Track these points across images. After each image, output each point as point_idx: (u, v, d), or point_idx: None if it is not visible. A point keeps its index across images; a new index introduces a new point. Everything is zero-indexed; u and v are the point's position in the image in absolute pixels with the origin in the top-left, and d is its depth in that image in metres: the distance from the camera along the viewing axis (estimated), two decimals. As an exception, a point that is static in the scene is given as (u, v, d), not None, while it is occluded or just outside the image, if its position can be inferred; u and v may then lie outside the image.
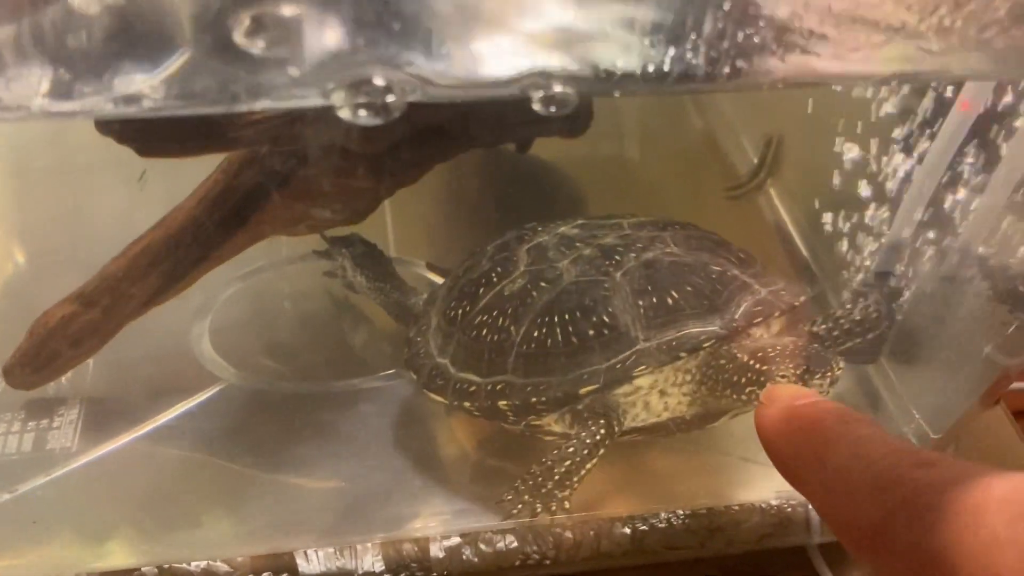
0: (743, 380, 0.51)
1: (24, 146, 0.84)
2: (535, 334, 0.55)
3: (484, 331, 0.57)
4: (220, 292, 0.73)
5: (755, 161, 0.84)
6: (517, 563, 0.58)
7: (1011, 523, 0.24)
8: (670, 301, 0.53)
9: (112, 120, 0.47)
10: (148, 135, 0.49)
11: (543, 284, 0.57)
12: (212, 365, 0.68)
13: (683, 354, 0.52)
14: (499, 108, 0.62)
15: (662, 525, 0.59)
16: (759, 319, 0.53)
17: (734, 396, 0.52)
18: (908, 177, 0.57)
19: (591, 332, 0.54)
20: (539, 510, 0.54)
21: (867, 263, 0.62)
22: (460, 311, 0.59)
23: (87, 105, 0.32)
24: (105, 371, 0.66)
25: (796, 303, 0.54)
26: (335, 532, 0.58)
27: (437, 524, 0.58)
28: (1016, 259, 0.52)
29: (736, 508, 0.60)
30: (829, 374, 0.49)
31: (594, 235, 0.59)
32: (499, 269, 0.60)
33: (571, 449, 0.53)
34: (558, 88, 0.33)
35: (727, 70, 0.32)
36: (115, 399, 0.66)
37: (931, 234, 0.57)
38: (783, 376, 0.49)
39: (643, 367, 0.52)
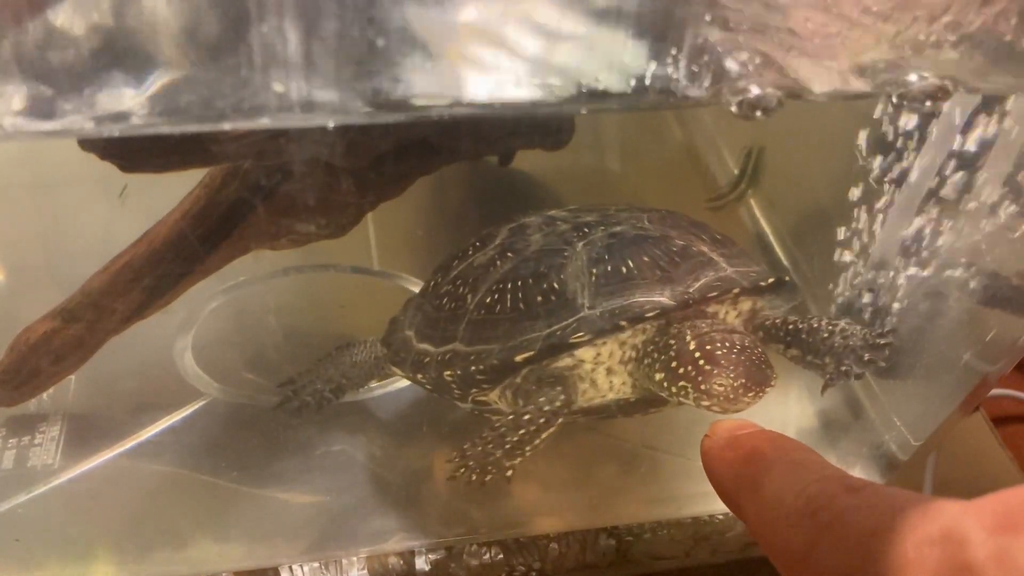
0: (681, 371, 0.48)
1: (2, 161, 0.83)
2: (487, 301, 0.53)
3: (445, 300, 0.56)
4: (203, 306, 0.73)
5: (736, 172, 0.84)
6: (503, 575, 0.58)
7: (918, 547, 0.25)
8: (624, 270, 0.51)
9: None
10: (131, 151, 0.49)
11: (509, 255, 0.55)
12: (195, 380, 0.68)
13: (623, 323, 0.49)
14: (481, 122, 0.63)
15: (647, 535, 0.59)
16: (714, 293, 0.50)
17: (665, 384, 0.49)
18: (890, 188, 0.57)
19: (539, 299, 0.51)
20: (475, 478, 0.50)
21: (848, 274, 0.62)
22: (432, 283, 0.59)
23: (69, 124, 0.32)
24: (87, 387, 0.66)
25: (762, 283, 0.52)
26: (320, 546, 0.58)
27: (423, 537, 0.58)
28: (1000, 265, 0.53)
29: (720, 518, 0.60)
30: (761, 393, 0.47)
31: (577, 215, 0.58)
32: (477, 244, 0.59)
33: (526, 416, 0.50)
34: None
35: (706, 85, 0.32)
36: (97, 415, 0.65)
37: (913, 245, 0.58)
38: (720, 386, 0.46)
39: (581, 335, 0.49)
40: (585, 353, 0.51)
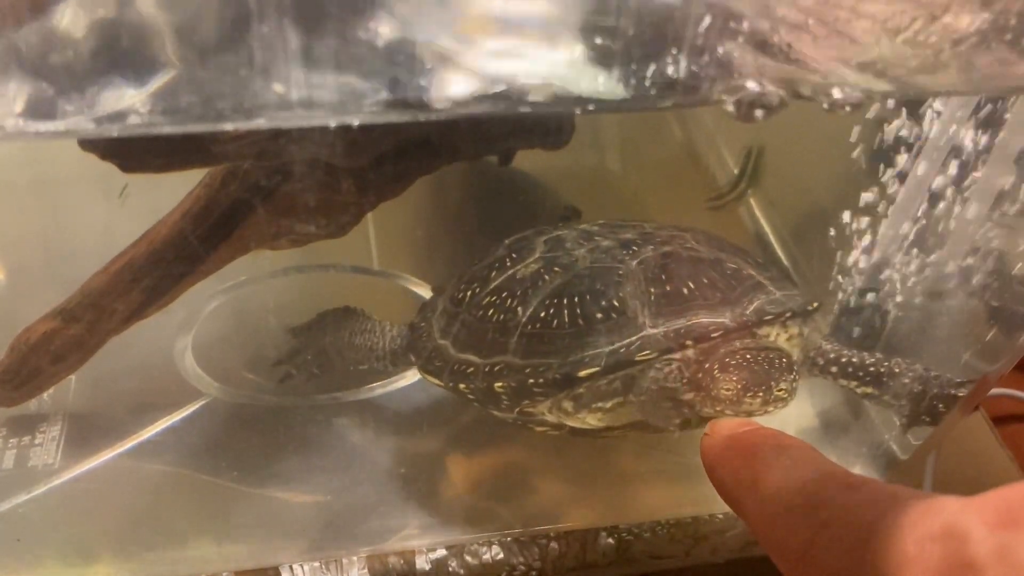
0: (694, 381, 0.50)
1: (2, 161, 0.83)
2: (542, 315, 0.54)
3: (490, 311, 0.56)
4: (203, 306, 0.73)
5: (736, 172, 0.84)
6: (503, 574, 0.58)
7: (918, 543, 0.25)
8: (684, 291, 0.52)
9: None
10: (131, 151, 0.49)
11: (556, 269, 0.56)
12: (195, 380, 0.68)
13: (688, 342, 0.51)
14: (482, 121, 0.63)
15: (647, 535, 0.59)
16: (769, 316, 0.52)
17: (684, 394, 0.50)
18: (891, 189, 0.57)
19: (599, 315, 0.52)
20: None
21: (849, 275, 0.63)
22: (469, 293, 0.59)
23: (70, 124, 0.32)
24: (87, 387, 0.66)
25: (808, 307, 0.54)
26: (320, 546, 0.58)
27: (423, 536, 0.58)
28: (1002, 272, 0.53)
29: (720, 517, 0.60)
30: (761, 394, 0.48)
31: (614, 231, 0.59)
32: (514, 255, 0.59)
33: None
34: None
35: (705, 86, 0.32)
36: (98, 415, 0.65)
37: (913, 246, 0.58)
38: (727, 390, 0.48)
39: (647, 352, 0.50)
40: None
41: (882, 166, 0.57)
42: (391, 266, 0.76)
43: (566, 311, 0.53)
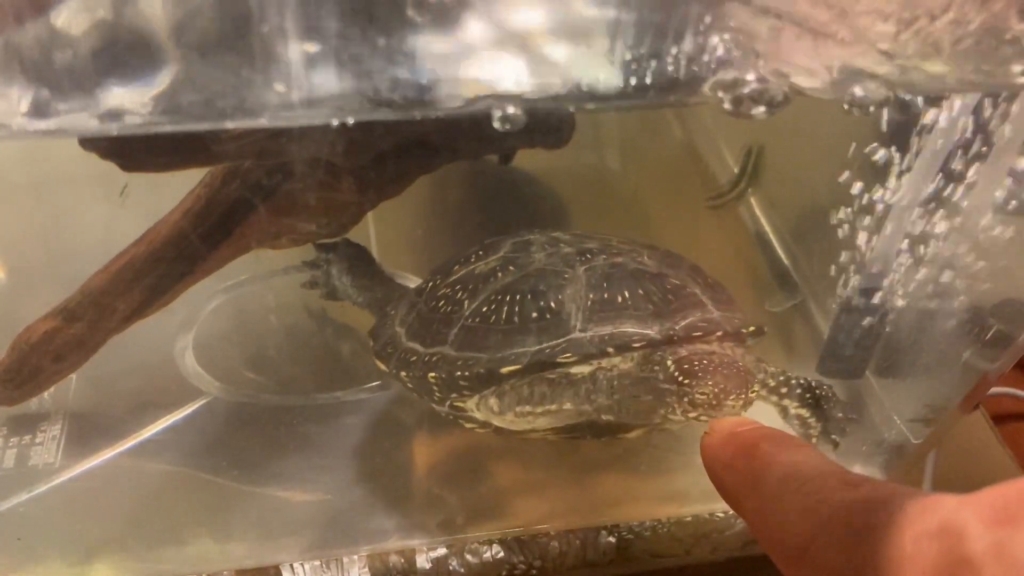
0: (665, 390, 0.50)
1: (2, 161, 0.83)
2: (483, 310, 0.54)
3: (441, 303, 0.57)
4: (204, 305, 0.73)
5: (736, 171, 0.84)
6: (503, 573, 0.58)
7: (916, 540, 0.25)
8: (619, 299, 0.53)
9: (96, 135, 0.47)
10: (132, 150, 0.49)
11: (511, 268, 0.56)
12: (196, 379, 0.68)
13: (610, 349, 0.51)
14: (482, 120, 0.63)
15: (647, 533, 0.59)
16: (699, 333, 0.52)
17: (653, 406, 0.51)
18: (891, 189, 0.57)
19: (534, 315, 0.53)
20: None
21: (848, 274, 0.63)
22: (430, 285, 0.60)
23: (71, 123, 0.33)
24: (88, 386, 0.66)
25: (745, 330, 0.54)
26: (321, 545, 0.58)
27: (423, 535, 0.58)
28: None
29: (720, 516, 0.60)
30: (742, 396, 0.48)
31: (581, 241, 0.59)
32: (480, 252, 0.60)
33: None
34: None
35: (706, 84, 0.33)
36: (98, 414, 0.65)
37: (912, 245, 0.58)
38: (702, 394, 0.48)
39: (569, 355, 0.51)
40: (577, 368, 0.52)
41: (883, 164, 0.57)
42: (391, 265, 0.76)
43: (505, 308, 0.54)
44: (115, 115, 0.32)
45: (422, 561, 0.57)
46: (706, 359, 0.49)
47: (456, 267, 0.59)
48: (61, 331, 0.58)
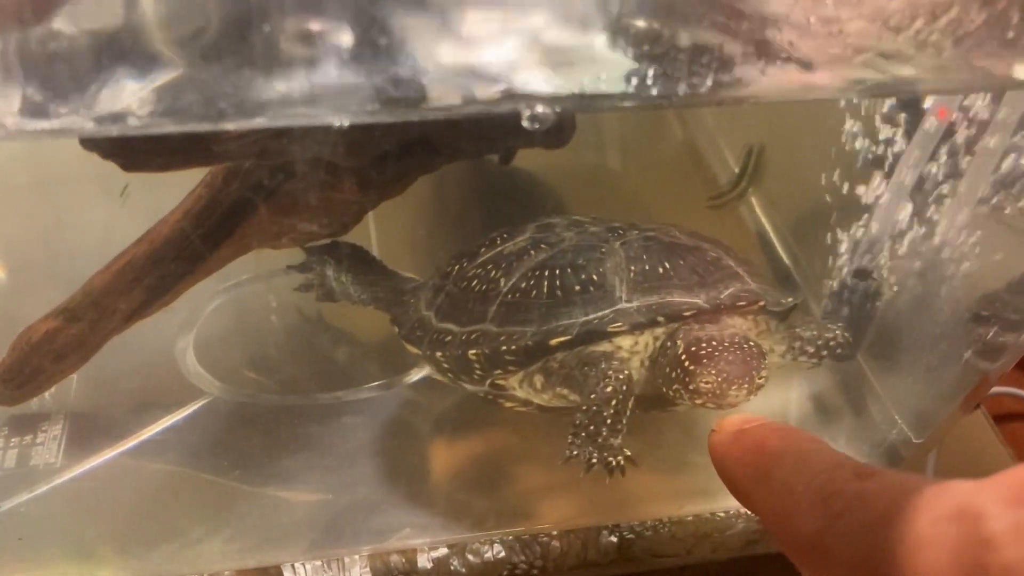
0: (672, 374, 0.50)
1: (2, 161, 0.83)
2: (522, 285, 0.55)
3: (474, 283, 0.57)
4: (205, 305, 0.73)
5: (736, 170, 0.84)
6: (505, 573, 0.58)
7: (934, 523, 0.25)
8: (660, 270, 0.53)
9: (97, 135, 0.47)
10: (133, 150, 0.49)
11: (543, 246, 0.57)
12: (197, 379, 0.68)
13: (661, 319, 0.51)
14: (483, 120, 0.63)
15: (648, 533, 0.59)
16: (743, 303, 0.52)
17: (664, 387, 0.52)
18: (887, 185, 0.57)
19: (576, 287, 0.53)
20: (595, 461, 0.50)
21: (847, 271, 0.63)
22: (456, 267, 0.60)
23: (71, 123, 0.33)
24: (89, 386, 0.66)
25: (783, 301, 0.54)
26: (322, 545, 0.58)
27: (424, 535, 0.58)
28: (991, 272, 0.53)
29: (722, 515, 0.60)
30: (746, 385, 0.48)
31: (604, 222, 0.60)
32: (505, 235, 0.60)
33: (608, 388, 0.51)
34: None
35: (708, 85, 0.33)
36: (99, 414, 0.65)
37: (910, 242, 0.58)
38: (707, 383, 0.48)
39: (619, 324, 0.51)
40: (624, 340, 0.53)
41: (881, 163, 0.57)
42: (392, 264, 0.76)
43: (546, 282, 0.54)
44: (115, 115, 0.32)
45: (423, 561, 0.57)
46: (715, 342, 0.49)
47: (482, 249, 0.59)
48: (62, 331, 0.58)
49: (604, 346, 0.53)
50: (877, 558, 0.27)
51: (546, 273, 0.55)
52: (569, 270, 0.54)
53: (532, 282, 0.55)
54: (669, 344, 0.52)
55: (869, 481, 0.29)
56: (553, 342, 0.52)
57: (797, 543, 0.31)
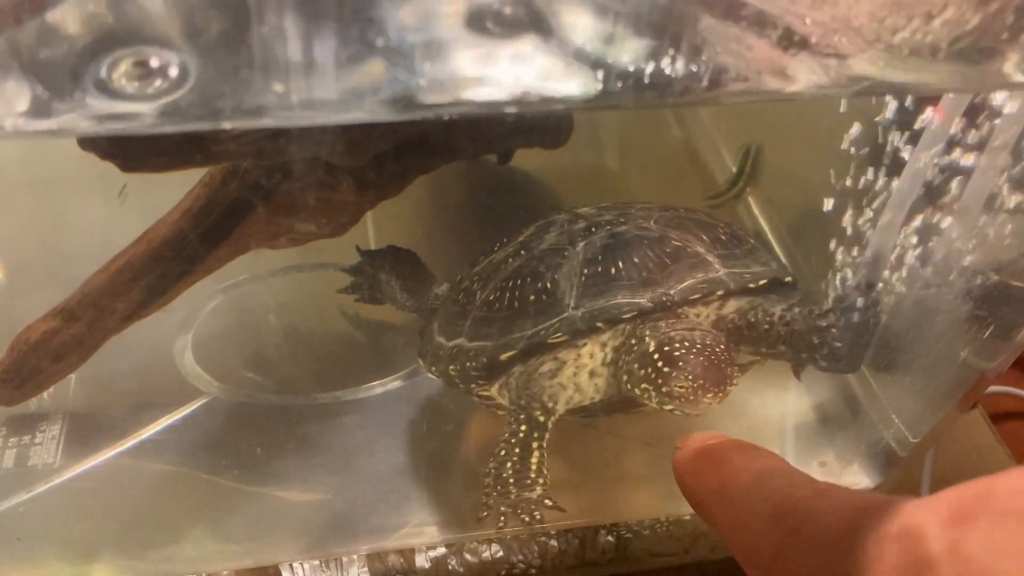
0: (642, 374, 0.48)
1: (2, 161, 0.83)
2: (490, 298, 0.54)
3: (461, 295, 0.57)
4: (203, 305, 0.73)
5: (734, 170, 0.84)
6: (503, 572, 0.58)
7: (879, 543, 0.25)
8: (612, 271, 0.51)
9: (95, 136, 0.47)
10: (131, 151, 0.49)
11: (522, 252, 0.56)
12: (195, 378, 0.68)
13: (600, 324, 0.49)
14: (481, 120, 0.63)
15: (646, 532, 0.59)
16: (697, 296, 0.50)
17: (631, 387, 0.49)
18: (887, 185, 0.57)
19: (532, 298, 0.52)
20: (521, 516, 0.50)
21: (846, 271, 0.63)
22: (459, 277, 0.60)
23: (69, 123, 0.33)
24: (87, 386, 0.66)
25: (751, 284, 0.51)
26: (320, 544, 0.58)
27: (422, 534, 0.58)
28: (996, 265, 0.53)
29: (719, 515, 0.60)
30: (721, 393, 0.46)
31: (600, 214, 0.57)
32: (504, 240, 0.59)
33: (503, 452, 0.51)
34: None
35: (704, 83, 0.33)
36: (98, 414, 0.65)
37: (909, 242, 0.58)
38: (680, 387, 0.46)
39: (560, 335, 0.49)
40: (567, 355, 0.51)
41: (880, 162, 0.57)
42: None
43: (507, 294, 0.53)
44: (114, 115, 0.32)
45: (421, 560, 0.57)
46: (688, 343, 0.47)
47: (481, 258, 0.59)
48: (60, 331, 0.58)
49: (549, 365, 0.51)
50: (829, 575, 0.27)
51: (510, 284, 0.53)
52: (528, 279, 0.53)
53: (498, 294, 0.54)
54: (635, 342, 0.49)
55: (824, 499, 0.30)
56: (503, 357, 0.51)
57: (754, 558, 0.31)
